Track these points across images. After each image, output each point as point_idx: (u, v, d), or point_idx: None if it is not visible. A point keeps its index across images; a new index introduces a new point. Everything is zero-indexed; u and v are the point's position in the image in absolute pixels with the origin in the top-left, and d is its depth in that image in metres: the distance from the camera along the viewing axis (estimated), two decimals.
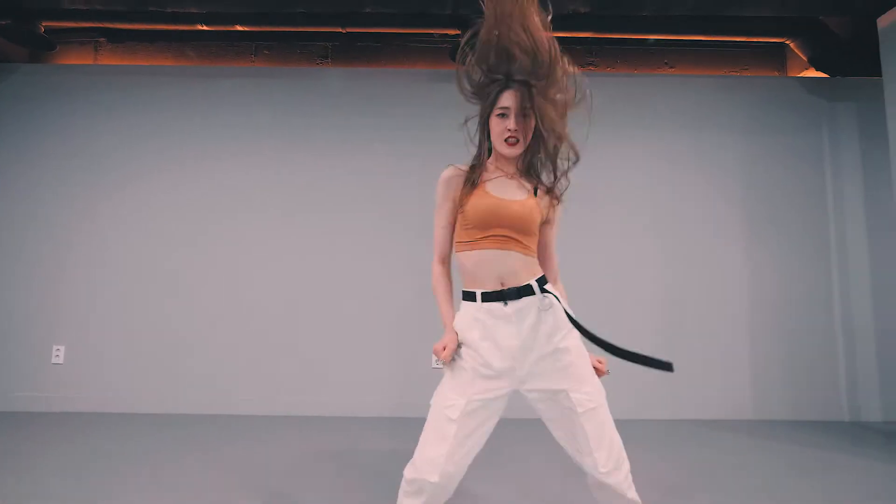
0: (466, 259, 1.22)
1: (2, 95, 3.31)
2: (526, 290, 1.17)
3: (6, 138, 3.28)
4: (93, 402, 3.07)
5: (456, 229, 1.26)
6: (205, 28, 3.10)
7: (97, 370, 3.11)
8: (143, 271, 3.20)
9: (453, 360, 1.16)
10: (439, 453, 1.09)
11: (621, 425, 1.16)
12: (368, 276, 3.22)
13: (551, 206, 1.25)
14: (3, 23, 2.97)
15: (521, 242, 1.20)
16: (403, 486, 1.11)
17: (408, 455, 1.12)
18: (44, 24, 3.09)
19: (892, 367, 3.14)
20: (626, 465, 1.13)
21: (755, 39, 3.32)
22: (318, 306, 3.19)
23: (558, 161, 1.19)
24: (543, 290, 1.18)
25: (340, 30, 3.11)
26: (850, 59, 3.09)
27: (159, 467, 2.12)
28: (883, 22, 2.74)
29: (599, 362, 1.21)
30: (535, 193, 1.23)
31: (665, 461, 2.32)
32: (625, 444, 1.14)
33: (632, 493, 1.12)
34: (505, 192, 1.20)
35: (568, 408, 1.13)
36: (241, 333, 3.15)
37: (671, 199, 3.31)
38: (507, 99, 1.14)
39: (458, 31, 3.05)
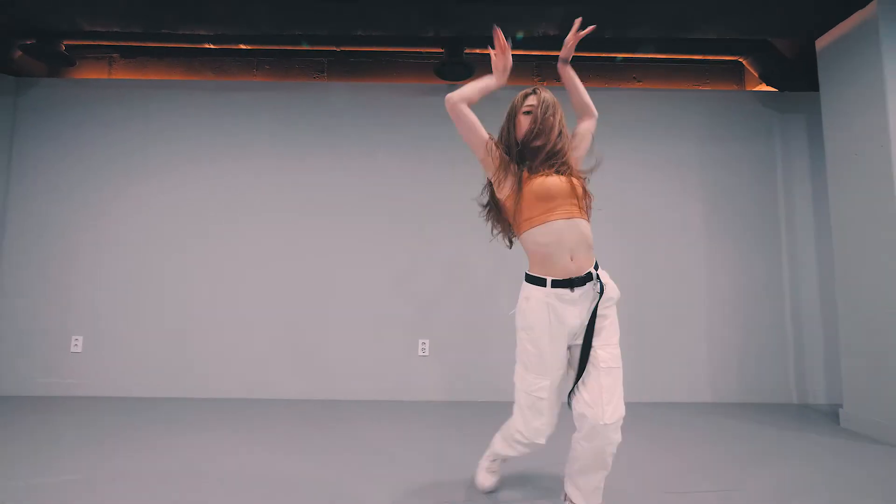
0: (536, 236, 1.41)
1: (23, 107, 3.60)
2: (588, 278, 1.39)
3: (27, 146, 3.57)
4: (107, 387, 3.36)
5: (519, 210, 1.44)
6: (212, 46, 3.40)
7: (112, 358, 3.39)
8: (154, 267, 3.49)
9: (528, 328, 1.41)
10: (543, 423, 1.42)
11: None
12: (364, 273, 3.52)
13: (578, 159, 1.54)
14: (28, 42, 3.26)
15: (581, 209, 1.42)
16: (516, 438, 1.47)
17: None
18: (64, 42, 3.37)
19: (835, 355, 3.46)
20: (622, 415, 1.37)
21: (713, 57, 3.65)
22: (316, 301, 3.48)
23: (568, 153, 1.48)
24: (598, 278, 1.42)
25: (335, 49, 3.42)
26: (796, 75, 3.42)
27: (166, 445, 2.41)
28: (820, 43, 3.07)
29: None
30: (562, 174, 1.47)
31: (630, 441, 2.62)
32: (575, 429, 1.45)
33: (618, 436, 1.37)
34: (548, 170, 1.44)
35: (592, 363, 1.36)
36: (243, 324, 3.44)
37: (638, 200, 3.63)
38: (532, 100, 1.47)
39: (442, 50, 3.36)
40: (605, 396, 1.32)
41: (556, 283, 1.37)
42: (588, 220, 1.44)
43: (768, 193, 3.66)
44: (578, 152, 1.55)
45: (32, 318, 3.41)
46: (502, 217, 1.55)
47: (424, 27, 2.90)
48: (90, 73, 3.77)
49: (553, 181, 1.39)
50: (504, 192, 1.47)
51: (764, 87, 3.79)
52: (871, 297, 2.70)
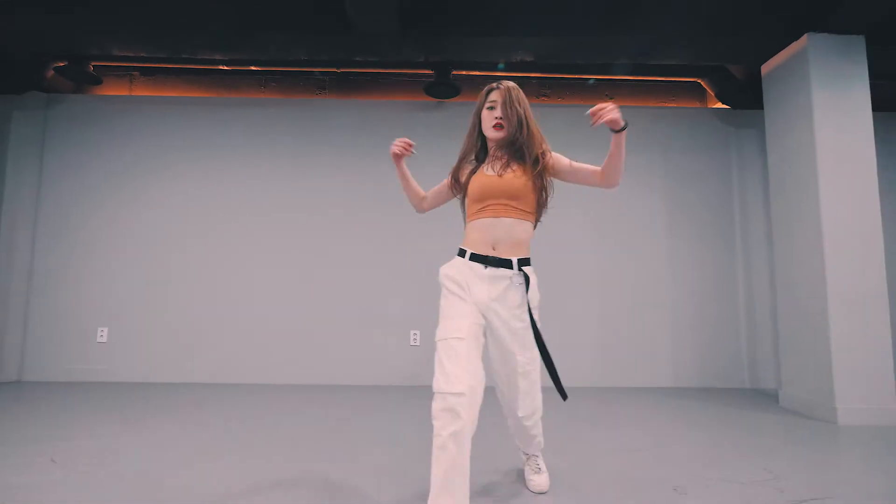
0: (471, 230, 1.53)
1: (52, 120, 3.97)
2: (505, 263, 1.47)
3: (56, 156, 3.94)
4: (130, 373, 3.73)
5: (465, 206, 1.60)
6: (225, 68, 3.79)
7: (134, 347, 3.77)
8: (170, 265, 3.86)
9: (444, 297, 1.48)
10: (460, 369, 1.29)
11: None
12: (362, 270, 3.90)
13: (545, 162, 1.52)
14: (61, 64, 3.64)
15: (513, 207, 1.48)
16: (435, 404, 1.28)
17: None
18: (92, 63, 3.75)
19: (783, 344, 3.86)
20: (539, 413, 1.58)
21: (676, 79, 4.06)
22: (319, 295, 3.86)
23: (534, 142, 1.51)
24: (521, 270, 1.48)
25: (336, 70, 3.81)
26: (747, 95, 3.83)
27: (181, 424, 2.79)
28: (764, 69, 3.49)
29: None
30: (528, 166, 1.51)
31: (598, 421, 3.02)
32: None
33: (536, 431, 1.62)
34: (498, 170, 1.51)
35: (512, 367, 1.51)
36: (253, 316, 3.82)
37: (611, 204, 4.03)
38: (495, 95, 1.52)
39: (431, 72, 3.76)
40: (521, 396, 1.53)
41: (473, 257, 1.48)
42: (525, 219, 1.51)
43: (724, 198, 4.07)
44: (560, 164, 1.55)
45: (62, 311, 3.78)
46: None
47: (416, 55, 3.29)
48: (113, 89, 4.14)
49: (488, 182, 1.49)
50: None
51: (721, 105, 4.21)
52: (803, 292, 3.11)
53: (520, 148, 1.49)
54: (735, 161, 4.11)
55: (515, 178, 1.48)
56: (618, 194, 4.04)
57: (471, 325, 1.39)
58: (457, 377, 1.28)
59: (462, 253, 1.52)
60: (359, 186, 3.98)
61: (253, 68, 3.82)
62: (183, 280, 3.85)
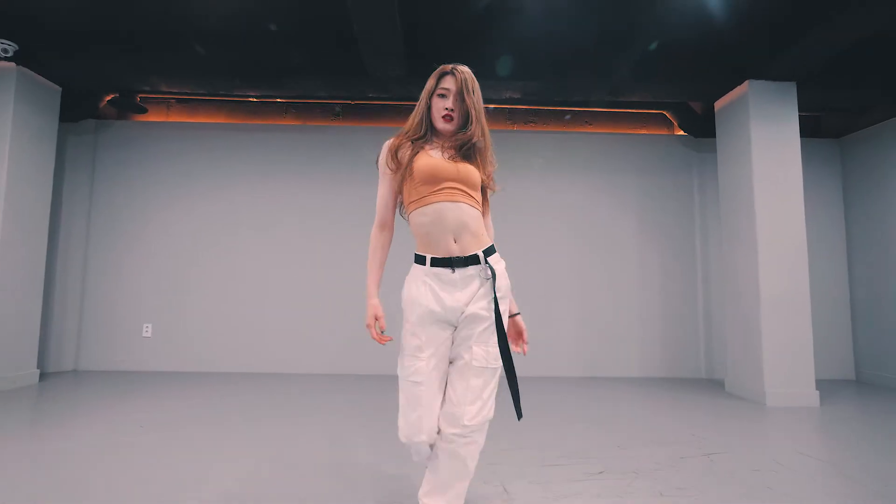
0: (420, 216, 1.31)
1: (101, 144, 4.54)
2: (473, 260, 1.29)
3: (105, 174, 4.51)
4: (171, 364, 4.32)
5: (405, 193, 1.36)
6: (253, 99, 4.37)
7: (175, 342, 4.35)
8: (205, 268, 4.45)
9: (410, 331, 1.31)
10: (419, 415, 1.24)
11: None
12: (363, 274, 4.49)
13: (485, 185, 1.40)
14: (112, 96, 4.21)
15: (469, 195, 1.31)
16: (401, 440, 1.30)
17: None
18: (139, 95, 4.33)
19: (728, 339, 4.49)
20: (484, 433, 1.29)
21: (644, 111, 4.67)
22: (330, 295, 4.46)
23: (487, 156, 1.38)
24: (487, 263, 1.30)
25: (350, 101, 4.40)
26: (705, 126, 4.44)
27: (220, 409, 3.38)
28: (717, 105, 4.10)
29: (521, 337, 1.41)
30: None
31: (574, 406, 3.64)
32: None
33: (468, 451, 1.26)
34: (447, 156, 1.32)
35: (466, 360, 1.26)
36: (275, 313, 4.41)
37: (587, 216, 4.64)
38: (448, 82, 1.33)
39: None
40: (470, 396, 1.25)
41: (435, 262, 1.30)
42: (477, 209, 1.35)
43: (687, 213, 4.69)
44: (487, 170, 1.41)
45: (112, 310, 4.36)
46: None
47: (420, 92, 3.89)
48: (152, 115, 4.72)
49: (440, 162, 1.30)
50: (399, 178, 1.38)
51: (684, 133, 4.82)
52: (741, 296, 3.72)
53: (467, 151, 1.33)
54: (696, 181, 4.73)
55: (469, 168, 1.33)
56: (595, 208, 4.64)
57: (428, 365, 1.28)
58: (416, 427, 1.26)
59: (421, 261, 1.33)
60: (368, 202, 4.57)
61: (278, 100, 4.40)
62: (218, 280, 4.44)
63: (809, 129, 4.86)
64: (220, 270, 4.46)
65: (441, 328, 1.30)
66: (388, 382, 3.93)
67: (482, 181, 1.37)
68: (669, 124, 4.93)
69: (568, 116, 4.79)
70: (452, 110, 1.33)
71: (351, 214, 4.56)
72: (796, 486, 1.92)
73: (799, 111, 3.76)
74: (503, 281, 1.33)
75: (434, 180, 1.29)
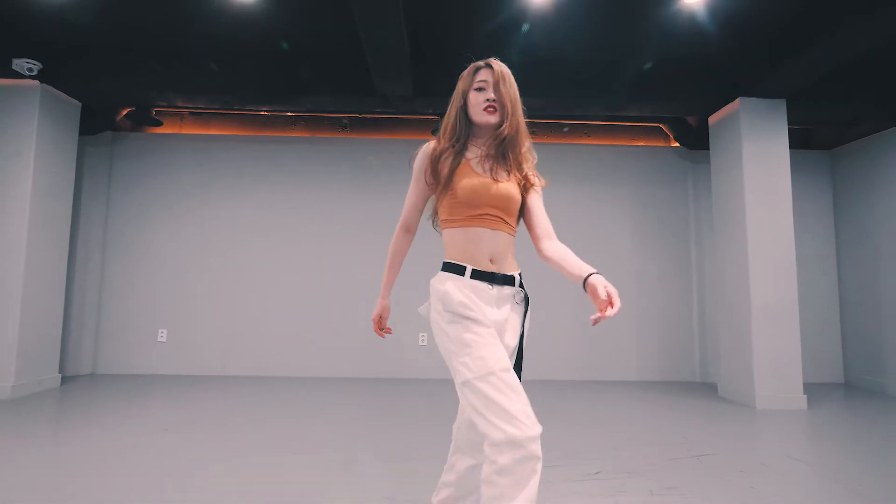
0: (457, 235, 1.26)
1: (117, 155, 4.71)
2: (510, 280, 1.25)
3: (120, 184, 4.68)
4: (185, 368, 4.48)
5: (442, 207, 1.30)
6: (265, 113, 4.54)
7: (188, 346, 4.52)
8: (218, 275, 4.61)
9: (460, 324, 1.16)
10: (525, 404, 1.07)
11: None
12: (376, 280, 4.65)
13: (528, 184, 1.31)
14: (129, 110, 4.38)
15: (508, 224, 1.27)
16: (505, 457, 1.01)
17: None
18: (154, 109, 4.49)
19: (729, 341, 4.65)
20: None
21: (642, 123, 4.84)
22: (343, 300, 4.62)
23: (524, 151, 1.30)
24: (522, 286, 1.27)
25: (357, 115, 4.57)
26: (700, 139, 4.61)
27: (232, 409, 3.55)
28: (711, 120, 4.26)
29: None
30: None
31: (573, 409, 3.80)
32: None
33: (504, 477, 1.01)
34: (488, 170, 1.26)
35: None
36: (284, 318, 4.57)
37: (585, 226, 4.81)
38: (485, 74, 1.28)
39: (436, 116, 4.51)
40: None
41: (475, 274, 1.22)
42: (514, 235, 1.31)
43: (682, 222, 4.85)
44: (534, 200, 1.34)
45: (129, 316, 4.53)
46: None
47: (424, 109, 4.05)
48: (166, 128, 4.88)
49: (482, 185, 1.24)
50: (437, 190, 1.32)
51: (680, 145, 4.98)
52: (733, 303, 3.89)
53: (505, 148, 1.28)
54: (691, 191, 4.89)
55: (510, 187, 1.27)
56: (593, 217, 4.81)
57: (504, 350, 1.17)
58: (527, 415, 1.06)
59: (458, 269, 1.24)
60: (374, 210, 4.74)
61: (288, 113, 4.56)
62: (229, 287, 4.60)
63: (801, 141, 5.03)
64: (230, 277, 4.62)
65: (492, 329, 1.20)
66: (390, 385, 4.09)
67: (522, 188, 1.31)
68: (665, 136, 5.10)
69: (566, 129, 4.96)
70: (495, 100, 1.27)
71: (357, 223, 4.72)
72: (778, 486, 2.08)
73: (790, 125, 3.94)
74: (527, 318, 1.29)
75: (475, 204, 1.25)
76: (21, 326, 3.53)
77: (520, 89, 1.31)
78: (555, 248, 1.26)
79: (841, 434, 2.94)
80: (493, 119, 1.28)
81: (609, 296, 1.06)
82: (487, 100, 1.27)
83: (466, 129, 1.31)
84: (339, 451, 2.44)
